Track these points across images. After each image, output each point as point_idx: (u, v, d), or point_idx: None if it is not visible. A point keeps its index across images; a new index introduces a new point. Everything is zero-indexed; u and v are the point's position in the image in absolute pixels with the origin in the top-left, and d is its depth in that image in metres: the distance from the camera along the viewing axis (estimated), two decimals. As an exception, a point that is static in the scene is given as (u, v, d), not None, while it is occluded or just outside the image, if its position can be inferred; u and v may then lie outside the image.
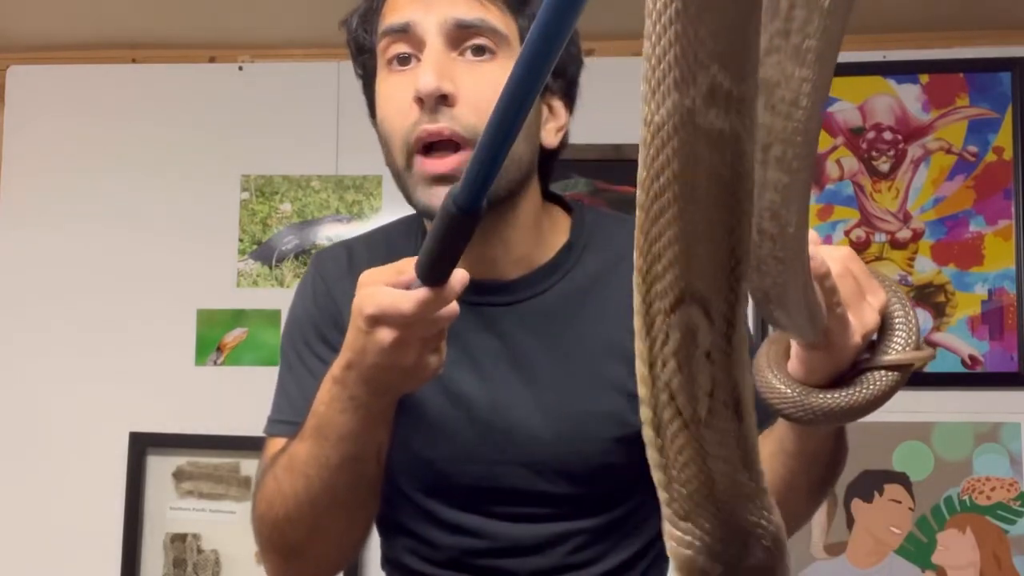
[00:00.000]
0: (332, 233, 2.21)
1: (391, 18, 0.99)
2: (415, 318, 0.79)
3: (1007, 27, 2.09)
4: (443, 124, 0.94)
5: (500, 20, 0.97)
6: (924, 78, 2.11)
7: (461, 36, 0.96)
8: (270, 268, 2.21)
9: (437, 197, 0.94)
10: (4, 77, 2.30)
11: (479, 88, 0.95)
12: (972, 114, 2.10)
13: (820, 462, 0.90)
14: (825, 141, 2.12)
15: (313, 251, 2.20)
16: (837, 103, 2.12)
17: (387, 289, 0.81)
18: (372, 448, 0.92)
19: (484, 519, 1.02)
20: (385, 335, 0.81)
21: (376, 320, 0.81)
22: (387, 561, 1.11)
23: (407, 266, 0.81)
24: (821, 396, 0.77)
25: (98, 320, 2.20)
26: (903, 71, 2.12)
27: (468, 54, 0.97)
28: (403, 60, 0.98)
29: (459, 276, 0.79)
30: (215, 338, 2.19)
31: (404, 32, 0.97)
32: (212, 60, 2.28)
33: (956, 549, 2.02)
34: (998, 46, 2.10)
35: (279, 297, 2.19)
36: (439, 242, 0.76)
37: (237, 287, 2.21)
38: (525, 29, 0.98)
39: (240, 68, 2.27)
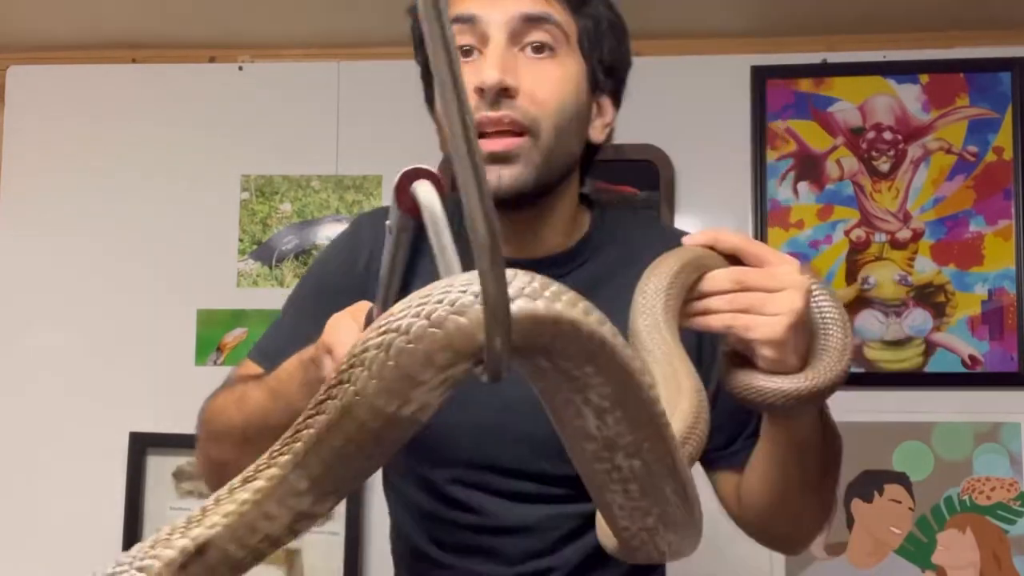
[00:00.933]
0: (332, 233, 2.20)
1: (458, 7, 1.02)
2: None
3: (1007, 27, 2.09)
4: (504, 112, 0.98)
5: (562, 16, 1.02)
6: (924, 78, 2.11)
7: (524, 30, 1.00)
8: (270, 268, 2.21)
9: (491, 174, 0.98)
10: (4, 77, 2.30)
11: (539, 83, 0.99)
12: (972, 114, 2.10)
13: (810, 450, 0.91)
14: (825, 141, 2.12)
15: (313, 251, 2.20)
16: (837, 103, 2.12)
17: (348, 326, 0.85)
18: None
19: (483, 495, 1.05)
20: (327, 364, 0.86)
21: (323, 348, 0.86)
22: (396, 536, 1.15)
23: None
24: (796, 380, 0.80)
25: (98, 320, 2.20)
26: (903, 71, 2.12)
27: (528, 51, 1.00)
28: (466, 52, 1.01)
29: None
30: (215, 338, 2.19)
31: (470, 23, 1.01)
32: (212, 60, 2.28)
33: (956, 549, 2.02)
34: (998, 46, 2.10)
35: (279, 297, 2.17)
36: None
37: (237, 287, 2.21)
38: (584, 28, 1.03)
39: (240, 68, 2.26)
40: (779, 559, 2.01)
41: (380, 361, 0.42)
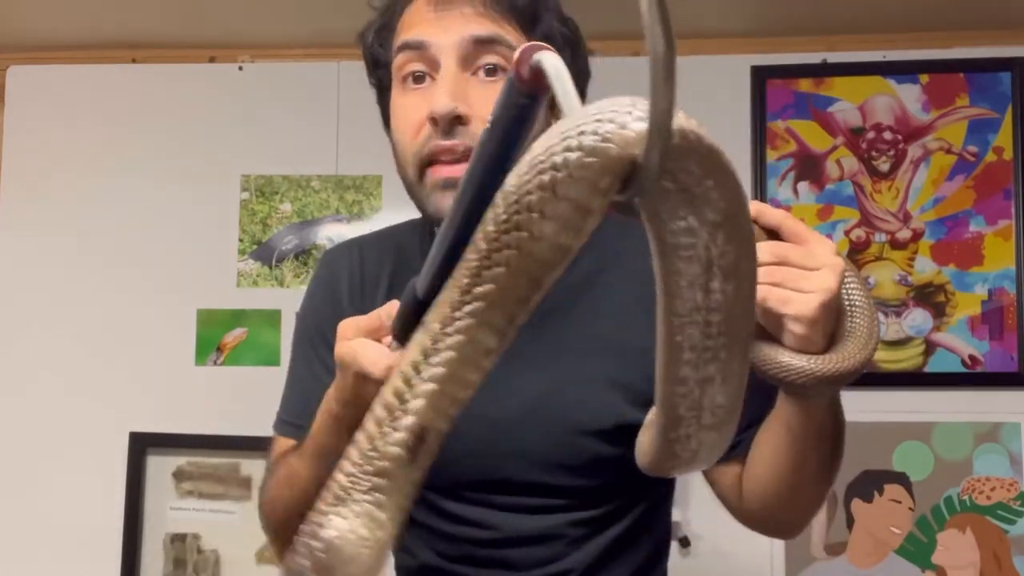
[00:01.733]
0: (332, 233, 2.21)
1: (406, 34, 1.00)
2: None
3: (1007, 27, 2.09)
4: (457, 140, 0.96)
5: (514, 37, 1.00)
6: (924, 78, 2.11)
7: (475, 54, 0.98)
8: (270, 268, 2.21)
9: (448, 201, 0.96)
10: (4, 77, 2.30)
11: (492, 106, 0.97)
12: (972, 114, 2.10)
13: (825, 436, 0.92)
14: (825, 141, 2.12)
15: (313, 251, 2.20)
16: (837, 103, 2.13)
17: (370, 346, 0.82)
18: None
19: (485, 510, 1.04)
20: (373, 390, 0.83)
21: (362, 377, 0.83)
22: (400, 550, 1.13)
23: (383, 317, 0.82)
24: (822, 361, 0.80)
25: (98, 320, 2.20)
26: (903, 71, 2.12)
27: (481, 74, 0.98)
28: (417, 78, 1.00)
29: None
30: (215, 338, 2.19)
31: (419, 49, 0.99)
32: (212, 60, 2.28)
33: (956, 549, 2.02)
34: (998, 46, 2.10)
35: (279, 297, 2.19)
36: (405, 325, 0.78)
37: (237, 287, 2.21)
38: None
39: (240, 68, 2.27)
40: (779, 559, 2.01)
41: (548, 201, 0.44)
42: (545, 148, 0.44)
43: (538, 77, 0.54)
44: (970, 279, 2.06)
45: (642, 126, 0.42)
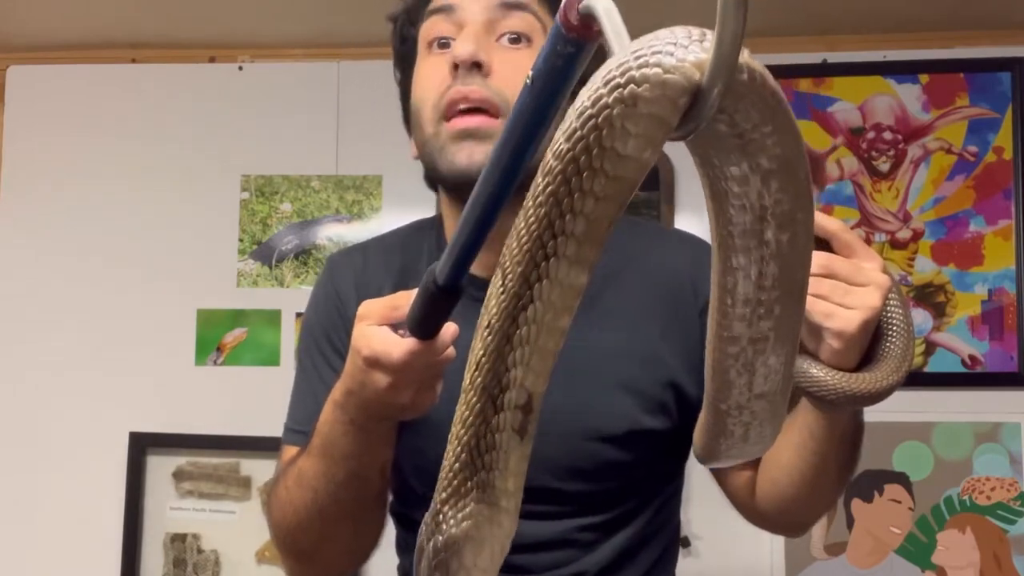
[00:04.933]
0: (332, 233, 2.21)
1: (437, 2, 1.03)
2: (405, 367, 0.82)
3: (1007, 27, 2.09)
4: (475, 87, 0.97)
5: (538, 6, 1.01)
6: (924, 78, 2.11)
7: (501, 16, 1.00)
8: (270, 268, 2.21)
9: (463, 153, 0.97)
10: (4, 77, 2.30)
11: (513, 69, 0.98)
12: (972, 114, 2.10)
13: (846, 442, 0.93)
14: (825, 141, 2.12)
15: (313, 251, 2.20)
16: (837, 103, 2.12)
17: (383, 333, 0.82)
18: (375, 465, 0.96)
19: None
20: (380, 378, 0.84)
21: (371, 363, 0.83)
22: (404, 551, 1.13)
23: (403, 299, 0.82)
24: (854, 380, 0.80)
25: (98, 320, 2.20)
26: (903, 71, 2.12)
27: (504, 40, 1.00)
28: (443, 44, 1.01)
29: (449, 330, 0.81)
30: (215, 338, 2.19)
31: (447, 12, 1.01)
32: (212, 60, 2.28)
33: (956, 549, 2.02)
34: (998, 46, 2.10)
35: (279, 297, 2.19)
36: (422, 312, 0.78)
37: (237, 287, 2.21)
38: None
39: (240, 68, 2.26)
40: (779, 559, 2.01)
41: (630, 115, 0.42)
42: (619, 64, 0.42)
43: (587, 23, 0.50)
44: (970, 279, 2.06)
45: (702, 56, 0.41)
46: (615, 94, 0.42)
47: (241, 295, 2.21)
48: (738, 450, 0.59)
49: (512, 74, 0.97)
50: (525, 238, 0.46)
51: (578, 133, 0.43)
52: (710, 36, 0.41)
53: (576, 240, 0.45)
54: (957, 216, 2.08)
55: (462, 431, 0.51)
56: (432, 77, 1.01)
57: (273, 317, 2.18)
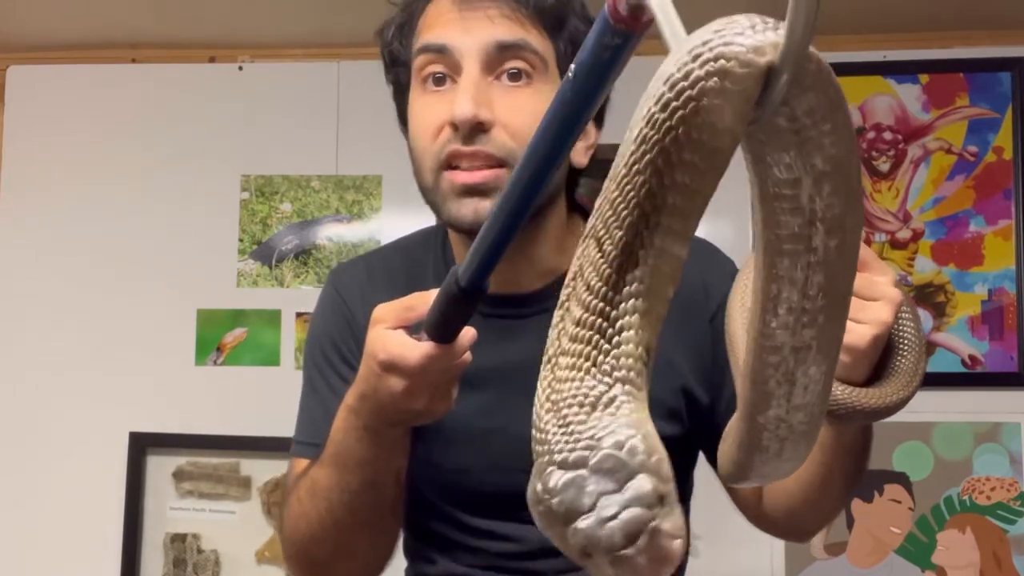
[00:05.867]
0: (332, 233, 2.21)
1: (428, 36, 0.97)
2: (422, 371, 0.80)
3: (1007, 27, 2.09)
4: (478, 147, 0.93)
5: (539, 41, 0.96)
6: (924, 78, 2.11)
7: (499, 59, 0.95)
8: (270, 268, 2.21)
9: (467, 208, 0.94)
10: (4, 77, 2.30)
11: (515, 113, 0.94)
12: (972, 114, 2.10)
13: (853, 454, 0.92)
14: (825, 141, 2.12)
15: (313, 251, 2.20)
16: (837, 103, 2.12)
17: (399, 337, 0.81)
18: (390, 472, 0.94)
19: (513, 524, 1.03)
20: (395, 382, 0.82)
21: (387, 367, 0.82)
22: (414, 557, 1.12)
23: (418, 301, 0.81)
24: (863, 394, 0.79)
25: (98, 320, 2.20)
26: (903, 71, 2.12)
27: (504, 79, 0.95)
28: (438, 80, 0.97)
29: (468, 334, 0.79)
30: (215, 338, 2.19)
31: (441, 53, 0.95)
32: (212, 60, 2.28)
33: (956, 549, 2.02)
34: (998, 46, 2.10)
35: (279, 297, 2.19)
36: (443, 315, 0.77)
37: (237, 287, 2.21)
38: (562, 52, 0.97)
39: (240, 68, 2.26)
40: (779, 559, 2.01)
41: (724, 91, 0.42)
42: (703, 42, 0.42)
43: (635, 14, 0.48)
44: (970, 279, 2.06)
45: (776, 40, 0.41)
46: (707, 67, 0.42)
47: (241, 295, 2.21)
48: (772, 467, 0.57)
49: (515, 119, 0.93)
50: (622, 206, 0.45)
51: (673, 104, 0.43)
52: (780, 24, 0.41)
53: (681, 215, 0.45)
54: (957, 216, 2.08)
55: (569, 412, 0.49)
56: (429, 120, 0.96)
57: (273, 317, 2.18)
